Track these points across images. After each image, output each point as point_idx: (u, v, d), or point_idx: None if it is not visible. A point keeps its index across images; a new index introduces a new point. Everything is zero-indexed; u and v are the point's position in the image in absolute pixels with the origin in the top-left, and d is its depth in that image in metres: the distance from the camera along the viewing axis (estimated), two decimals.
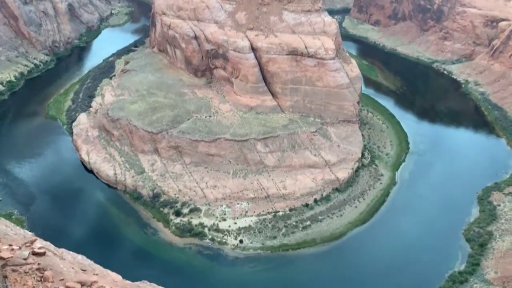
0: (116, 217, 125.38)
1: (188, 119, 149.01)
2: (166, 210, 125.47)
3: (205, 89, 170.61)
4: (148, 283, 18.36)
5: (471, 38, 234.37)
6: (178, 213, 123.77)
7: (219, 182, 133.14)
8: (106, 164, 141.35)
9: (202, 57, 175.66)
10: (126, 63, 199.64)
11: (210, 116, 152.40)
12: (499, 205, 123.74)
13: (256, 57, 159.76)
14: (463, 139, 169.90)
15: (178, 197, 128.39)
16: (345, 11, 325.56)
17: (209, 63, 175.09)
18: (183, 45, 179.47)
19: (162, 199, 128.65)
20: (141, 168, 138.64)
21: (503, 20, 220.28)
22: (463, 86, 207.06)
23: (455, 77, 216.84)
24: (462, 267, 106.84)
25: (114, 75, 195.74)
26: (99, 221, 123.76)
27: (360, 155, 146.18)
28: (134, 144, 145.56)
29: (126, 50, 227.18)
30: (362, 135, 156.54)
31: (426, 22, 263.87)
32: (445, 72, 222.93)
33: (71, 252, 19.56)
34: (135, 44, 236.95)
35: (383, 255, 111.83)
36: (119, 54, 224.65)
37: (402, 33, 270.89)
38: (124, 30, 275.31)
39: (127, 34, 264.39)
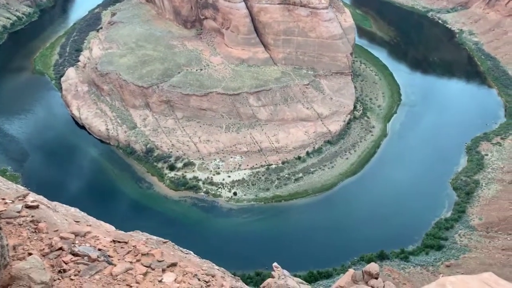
0: (110, 172, 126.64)
1: (179, 73, 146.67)
2: (160, 165, 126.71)
3: (195, 41, 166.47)
4: (141, 232, 19.03)
5: None
6: (172, 168, 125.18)
7: (212, 136, 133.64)
8: (98, 119, 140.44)
9: (191, 7, 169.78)
10: (113, 14, 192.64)
11: (201, 69, 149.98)
12: (486, 155, 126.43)
13: (247, 7, 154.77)
14: (454, 90, 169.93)
15: (171, 152, 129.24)
16: None
17: (198, 14, 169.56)
18: None
19: (155, 154, 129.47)
20: (133, 123, 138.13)
21: None
22: (457, 35, 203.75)
23: (449, 26, 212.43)
24: (449, 214, 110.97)
25: (101, 28, 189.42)
26: (93, 176, 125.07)
27: (352, 107, 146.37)
28: (125, 99, 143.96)
29: (112, 1, 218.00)
30: (355, 87, 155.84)
31: None
32: (440, 21, 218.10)
33: (64, 205, 20.02)
34: None
35: (373, 204, 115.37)
36: (105, 5, 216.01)
37: None
38: None
39: None
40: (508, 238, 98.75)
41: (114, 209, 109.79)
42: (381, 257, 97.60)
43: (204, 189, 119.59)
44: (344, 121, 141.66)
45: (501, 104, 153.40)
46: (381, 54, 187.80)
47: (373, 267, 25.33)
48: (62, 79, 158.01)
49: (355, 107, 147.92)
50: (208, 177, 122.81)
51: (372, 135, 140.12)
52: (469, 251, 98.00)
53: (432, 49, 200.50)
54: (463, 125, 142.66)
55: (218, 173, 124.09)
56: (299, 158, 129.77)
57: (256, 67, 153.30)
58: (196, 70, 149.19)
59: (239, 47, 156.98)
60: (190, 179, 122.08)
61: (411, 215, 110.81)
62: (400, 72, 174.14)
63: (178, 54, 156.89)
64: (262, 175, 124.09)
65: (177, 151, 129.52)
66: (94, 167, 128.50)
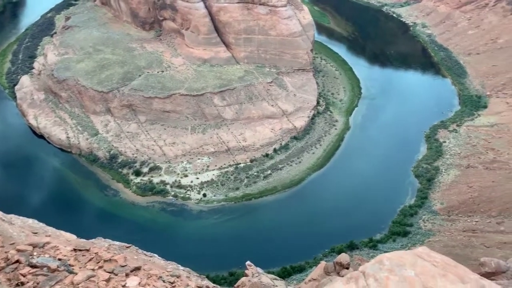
0: (73, 181, 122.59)
1: (140, 76, 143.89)
2: (125, 171, 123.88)
3: (155, 42, 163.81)
4: (103, 239, 18.61)
5: None
6: (138, 173, 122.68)
7: (177, 138, 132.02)
8: (57, 127, 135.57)
9: (149, 9, 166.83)
10: (67, 18, 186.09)
11: (162, 71, 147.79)
12: (444, 142, 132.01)
13: (206, 7, 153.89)
14: (411, 81, 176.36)
15: (136, 157, 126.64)
16: None
17: (157, 15, 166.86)
18: None
19: (119, 160, 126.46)
20: (95, 130, 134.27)
21: None
22: (411, 28, 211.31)
23: (403, 20, 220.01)
24: (412, 201, 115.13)
25: (55, 33, 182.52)
26: (55, 186, 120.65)
27: (315, 103, 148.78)
28: (84, 105, 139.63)
29: (66, 4, 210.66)
30: (317, 83, 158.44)
31: None
32: (394, 15, 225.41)
33: (20, 217, 19.24)
34: None
35: (340, 196, 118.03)
36: (58, 9, 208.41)
37: None
38: None
39: None
40: (468, 220, 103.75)
41: (79, 219, 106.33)
42: (351, 247, 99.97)
43: (173, 193, 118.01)
44: (309, 116, 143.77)
45: (455, 93, 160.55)
46: (340, 50, 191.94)
47: (343, 257, 26.08)
48: (16, 87, 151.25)
49: (318, 102, 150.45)
50: (176, 180, 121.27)
51: (335, 128, 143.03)
52: (433, 235, 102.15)
53: (388, 42, 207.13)
54: (421, 114, 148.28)
55: (186, 176, 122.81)
56: (267, 155, 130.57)
57: (218, 66, 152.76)
58: (158, 72, 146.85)
59: (200, 47, 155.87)
60: (157, 183, 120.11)
61: (377, 204, 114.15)
62: (359, 66, 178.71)
63: (138, 56, 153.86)
64: (231, 175, 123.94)
65: (142, 156, 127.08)
66: (56, 177, 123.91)
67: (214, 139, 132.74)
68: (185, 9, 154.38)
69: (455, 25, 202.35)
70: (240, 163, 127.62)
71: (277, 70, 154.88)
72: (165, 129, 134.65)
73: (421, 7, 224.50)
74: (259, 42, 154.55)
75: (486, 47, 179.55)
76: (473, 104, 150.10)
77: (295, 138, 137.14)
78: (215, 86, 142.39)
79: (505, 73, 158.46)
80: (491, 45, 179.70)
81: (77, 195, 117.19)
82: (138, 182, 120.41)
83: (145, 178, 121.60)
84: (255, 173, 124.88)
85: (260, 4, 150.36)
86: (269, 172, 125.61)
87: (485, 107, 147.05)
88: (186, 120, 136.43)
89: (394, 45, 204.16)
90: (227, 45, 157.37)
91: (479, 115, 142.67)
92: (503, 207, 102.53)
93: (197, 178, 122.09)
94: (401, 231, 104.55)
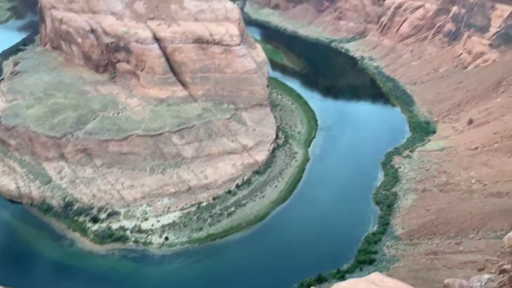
0: (25, 234, 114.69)
1: (94, 119, 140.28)
2: (81, 219, 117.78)
3: (109, 85, 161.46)
4: None
5: (362, 17, 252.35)
6: (95, 220, 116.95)
7: (136, 181, 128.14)
8: (6, 177, 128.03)
9: (102, 52, 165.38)
10: (16, 64, 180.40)
11: (118, 113, 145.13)
12: (400, 168, 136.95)
13: (160, 47, 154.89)
14: (363, 111, 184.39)
15: (93, 203, 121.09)
16: None
17: (110, 57, 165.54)
18: (79, 40, 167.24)
19: (75, 207, 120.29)
20: (48, 177, 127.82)
21: None
22: (359, 62, 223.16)
23: (351, 54, 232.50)
24: (375, 228, 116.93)
25: (3, 79, 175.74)
26: (5, 241, 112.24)
27: (274, 136, 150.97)
28: (36, 152, 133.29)
29: (14, 50, 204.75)
30: (274, 116, 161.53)
31: (321, 4, 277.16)
32: (343, 50, 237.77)
33: None
34: (24, 43, 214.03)
35: (305, 227, 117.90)
36: (5, 54, 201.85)
37: (301, 16, 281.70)
38: (8, 28, 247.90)
39: (12, 32, 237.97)
40: (429, 243, 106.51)
41: (32, 274, 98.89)
42: (320, 280, 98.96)
43: (133, 238, 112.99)
44: (269, 150, 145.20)
45: (405, 120, 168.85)
46: (295, 84, 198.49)
47: None
48: None
49: (277, 135, 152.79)
50: (136, 225, 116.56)
51: (296, 160, 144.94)
52: (398, 260, 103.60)
53: (339, 75, 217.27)
54: (375, 142, 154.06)
55: (146, 219, 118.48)
56: (229, 192, 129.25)
57: (176, 105, 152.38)
58: (113, 114, 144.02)
59: (156, 87, 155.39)
60: (116, 229, 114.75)
61: (342, 233, 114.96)
62: (314, 99, 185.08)
63: (92, 99, 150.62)
64: (194, 215, 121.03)
65: (100, 202, 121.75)
66: (5, 231, 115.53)
67: (174, 179, 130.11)
68: (140, 50, 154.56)
69: (399, 57, 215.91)
70: (202, 202, 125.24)
71: (235, 106, 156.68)
72: (122, 172, 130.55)
73: (367, 42, 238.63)
74: (216, 80, 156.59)
75: (429, 76, 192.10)
76: (422, 130, 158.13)
77: (257, 172, 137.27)
78: (173, 125, 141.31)
79: (449, 99, 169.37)
80: (433, 74, 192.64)
81: (29, 248, 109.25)
82: (96, 230, 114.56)
83: (103, 225, 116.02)
84: (219, 211, 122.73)
85: (215, 44, 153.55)
86: (232, 209, 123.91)
87: (434, 132, 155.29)
88: (144, 161, 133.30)
89: (345, 78, 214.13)
90: (183, 84, 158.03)
91: (429, 140, 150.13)
92: (460, 227, 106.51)
93: (158, 221, 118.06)
94: (367, 259, 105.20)
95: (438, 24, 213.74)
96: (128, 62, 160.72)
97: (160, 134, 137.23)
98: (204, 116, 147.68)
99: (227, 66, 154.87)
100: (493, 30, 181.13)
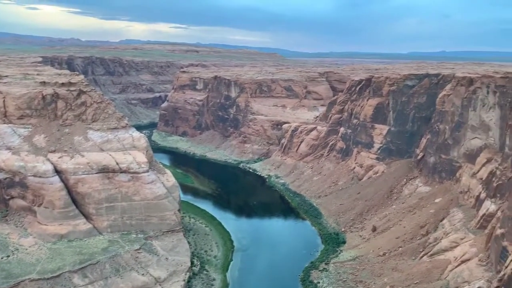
0: None
1: None
2: None
3: None
4: None
5: (264, 140, 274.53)
6: None
7: None
8: None
9: None
10: None
11: (8, 256, 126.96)
12: (318, 282, 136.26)
13: (62, 180, 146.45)
14: (277, 227, 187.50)
15: None
16: (152, 126, 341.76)
17: (3, 194, 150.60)
18: None
19: None
20: None
21: (285, 123, 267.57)
22: (267, 180, 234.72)
23: (259, 173, 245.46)
24: None
25: None
26: None
27: (189, 263, 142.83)
28: None
29: None
30: (188, 242, 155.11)
31: (227, 130, 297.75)
32: (251, 170, 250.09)
33: None
34: None
35: None
36: None
37: (208, 141, 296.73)
38: None
39: None
40: None
41: None
42: None
43: None
44: (184, 280, 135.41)
45: (316, 233, 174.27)
46: (207, 206, 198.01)
47: None
48: None
49: (192, 263, 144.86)
50: None
51: None
52: None
53: (250, 194, 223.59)
54: (292, 258, 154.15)
55: None
56: None
57: (78, 240, 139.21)
58: (2, 259, 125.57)
59: (55, 223, 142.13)
60: None
61: None
62: (228, 219, 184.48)
63: None
64: None
65: None
66: None
67: None
68: (38, 184, 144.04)
69: (302, 174, 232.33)
70: None
71: (145, 235, 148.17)
72: None
73: (272, 161, 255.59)
74: (123, 209, 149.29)
75: (331, 190, 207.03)
76: (333, 241, 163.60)
77: None
78: (75, 263, 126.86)
79: (351, 209, 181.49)
80: (333, 187, 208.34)
81: None
82: None
83: None
84: None
85: (122, 172, 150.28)
86: None
87: (344, 242, 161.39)
88: None
89: (255, 196, 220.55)
90: (87, 216, 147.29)
91: (341, 250, 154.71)
92: None
93: None
94: None
95: (331, 143, 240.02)
96: (23, 198, 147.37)
97: (58, 275, 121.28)
98: (110, 250, 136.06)
99: (135, 194, 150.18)
100: (376, 146, 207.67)
